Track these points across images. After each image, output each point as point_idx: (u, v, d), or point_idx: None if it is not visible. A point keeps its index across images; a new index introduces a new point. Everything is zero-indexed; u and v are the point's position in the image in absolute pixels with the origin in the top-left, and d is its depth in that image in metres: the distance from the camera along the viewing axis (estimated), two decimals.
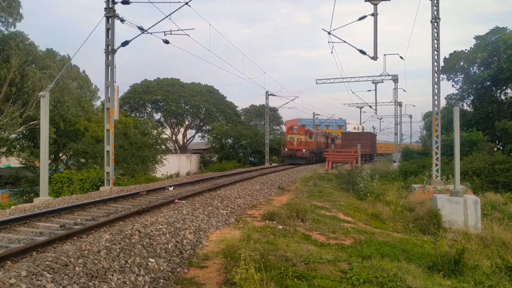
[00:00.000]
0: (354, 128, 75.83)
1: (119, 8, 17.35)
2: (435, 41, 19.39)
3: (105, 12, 18.07)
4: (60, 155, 35.43)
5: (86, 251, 6.44)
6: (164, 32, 19.30)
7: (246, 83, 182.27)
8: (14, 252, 6.39)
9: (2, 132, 28.83)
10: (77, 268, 5.84)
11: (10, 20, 29.88)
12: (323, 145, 50.21)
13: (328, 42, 20.69)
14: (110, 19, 18.12)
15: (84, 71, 37.33)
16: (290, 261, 7.07)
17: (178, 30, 19.08)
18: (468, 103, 41.84)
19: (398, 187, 21.52)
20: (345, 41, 20.42)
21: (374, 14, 17.85)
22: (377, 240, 10.35)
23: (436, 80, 19.60)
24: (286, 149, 41.94)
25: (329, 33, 19.58)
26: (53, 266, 5.69)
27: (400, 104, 51.66)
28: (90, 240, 7.20)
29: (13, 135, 31.11)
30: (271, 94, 46.01)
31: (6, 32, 29.79)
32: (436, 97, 19.70)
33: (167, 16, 17.97)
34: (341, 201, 17.12)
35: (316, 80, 42.94)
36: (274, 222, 11.33)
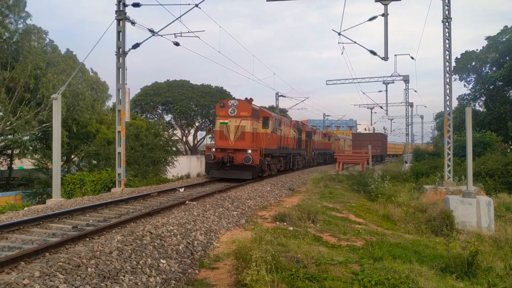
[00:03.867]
0: (365, 129, 75.39)
1: (130, 11, 17.49)
2: (447, 41, 19.22)
3: (116, 15, 18.20)
4: (72, 156, 35.73)
5: (98, 252, 6.48)
6: (175, 34, 19.38)
7: (256, 84, 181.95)
8: (28, 253, 6.45)
9: (16, 135, 29.18)
10: (89, 269, 5.89)
11: (22, 15, 30.10)
12: (291, 141, 28.52)
13: (339, 43, 20.60)
14: (121, 21, 18.25)
15: (91, 69, 37.28)
16: (301, 263, 7.05)
17: (188, 32, 19.13)
18: (480, 103, 41.46)
19: (409, 188, 21.36)
20: (355, 42, 20.33)
21: (385, 15, 17.75)
22: (388, 241, 10.28)
23: (447, 80, 19.43)
24: (213, 150, 20.61)
25: (339, 34, 19.51)
26: (65, 267, 5.74)
27: (411, 105, 51.24)
28: (102, 241, 7.25)
29: (26, 137, 31.46)
30: (281, 95, 46.00)
31: (20, 26, 30.01)
32: (447, 98, 19.52)
33: (177, 19, 18.05)
34: (352, 202, 17.03)
35: (327, 81, 42.76)
36: (285, 223, 11.31)
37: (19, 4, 29.76)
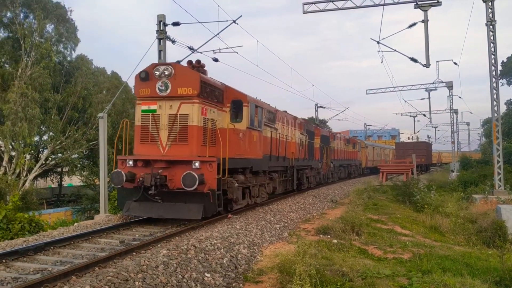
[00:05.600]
0: (408, 138, 73.56)
1: (170, 30, 17.97)
2: (492, 44, 18.58)
3: (157, 35, 18.76)
4: None
5: (145, 266, 6.62)
6: (213, 50, 19.70)
7: (295, 97, 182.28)
8: (78, 268, 6.68)
9: (66, 153, 30.52)
10: (136, 283, 6.02)
11: (73, 45, 31.85)
12: (296, 148, 19.36)
13: (378, 51, 20.36)
14: (161, 40, 18.80)
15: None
16: (346, 276, 6.92)
17: (227, 48, 19.42)
18: None
19: (457, 198, 20.60)
20: (395, 50, 20.03)
21: (425, 21, 17.42)
22: (437, 253, 9.93)
23: (494, 85, 18.74)
24: (130, 163, 11.35)
25: (378, 42, 19.30)
26: (114, 281, 5.90)
27: (456, 112, 49.66)
28: (148, 255, 7.40)
29: (75, 156, 32.82)
30: (321, 107, 45.62)
31: (71, 57, 31.82)
32: (495, 103, 18.80)
33: (215, 35, 18.39)
34: (397, 213, 16.60)
35: (367, 90, 42.08)
36: (329, 236, 11.16)
37: (74, 31, 31.50)
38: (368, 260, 8.96)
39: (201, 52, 19.33)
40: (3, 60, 30.80)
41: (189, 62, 12.66)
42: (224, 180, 11.46)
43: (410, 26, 18.56)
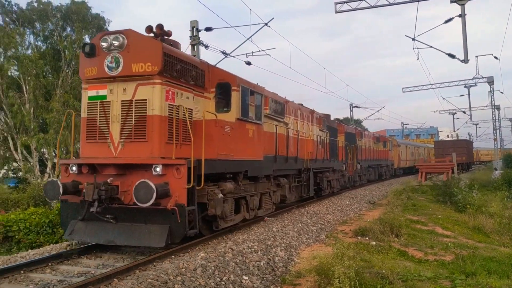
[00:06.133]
0: (448, 136, 71.52)
1: (202, 35, 18.17)
2: None
3: (190, 40, 19.04)
4: None
5: (184, 269, 6.72)
6: (246, 54, 19.85)
7: (329, 97, 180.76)
8: (120, 271, 6.85)
9: None
10: (176, 286, 6.12)
11: None
12: (313, 146, 16.77)
13: (414, 48, 19.91)
14: (195, 46, 19.07)
15: None
16: (386, 279, 6.79)
17: (259, 50, 19.50)
18: None
19: (501, 197, 19.88)
20: (431, 46, 19.55)
21: (462, 15, 16.90)
22: (481, 255, 9.59)
23: None
24: (73, 169, 8.59)
25: (413, 39, 18.89)
26: (154, 283, 6.01)
27: (497, 108, 47.76)
28: (186, 258, 7.52)
29: None
30: (356, 106, 45.10)
31: None
32: None
33: (248, 39, 18.48)
34: (438, 214, 16.16)
35: (403, 88, 41.12)
36: (367, 238, 11.00)
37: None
38: (408, 262, 8.77)
39: (234, 56, 19.49)
40: (45, 70, 32.05)
41: (148, 28, 8.85)
42: (202, 190, 8.59)
43: (447, 21, 18.04)
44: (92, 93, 8.72)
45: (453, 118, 55.22)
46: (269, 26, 17.91)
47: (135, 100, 8.34)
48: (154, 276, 6.25)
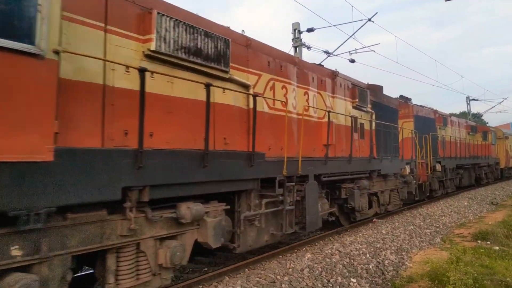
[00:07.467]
0: None
1: (304, 36, 18.18)
2: None
3: (292, 43, 19.25)
4: None
5: (291, 269, 6.81)
6: (349, 52, 19.54)
7: (441, 91, 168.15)
8: (231, 269, 7.17)
9: None
10: (283, 285, 6.22)
11: None
12: (344, 134, 10.21)
13: None
14: (297, 48, 19.22)
15: None
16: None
17: (363, 47, 19.07)
18: None
19: None
20: None
21: None
22: None
23: None
24: None
25: None
26: (262, 282, 6.19)
27: None
28: (293, 259, 7.61)
29: None
30: (473, 99, 41.70)
31: None
32: None
33: (350, 36, 18.16)
34: None
35: None
36: (488, 242, 10.11)
37: None
38: None
39: (337, 55, 19.28)
40: None
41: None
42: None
43: None
44: None
45: None
46: (372, 22, 17.40)
47: None
48: (262, 275, 6.44)
